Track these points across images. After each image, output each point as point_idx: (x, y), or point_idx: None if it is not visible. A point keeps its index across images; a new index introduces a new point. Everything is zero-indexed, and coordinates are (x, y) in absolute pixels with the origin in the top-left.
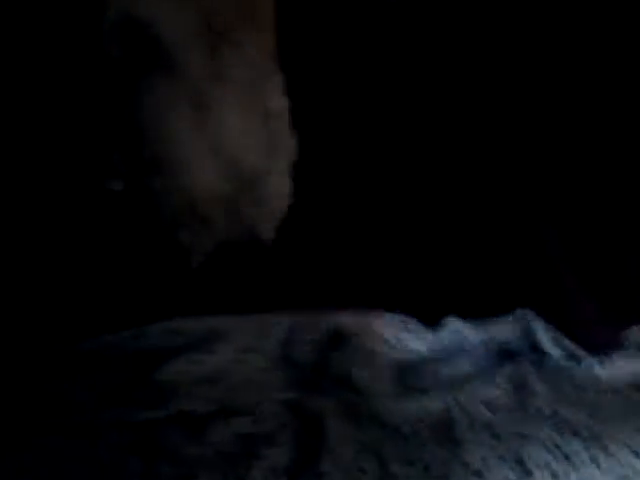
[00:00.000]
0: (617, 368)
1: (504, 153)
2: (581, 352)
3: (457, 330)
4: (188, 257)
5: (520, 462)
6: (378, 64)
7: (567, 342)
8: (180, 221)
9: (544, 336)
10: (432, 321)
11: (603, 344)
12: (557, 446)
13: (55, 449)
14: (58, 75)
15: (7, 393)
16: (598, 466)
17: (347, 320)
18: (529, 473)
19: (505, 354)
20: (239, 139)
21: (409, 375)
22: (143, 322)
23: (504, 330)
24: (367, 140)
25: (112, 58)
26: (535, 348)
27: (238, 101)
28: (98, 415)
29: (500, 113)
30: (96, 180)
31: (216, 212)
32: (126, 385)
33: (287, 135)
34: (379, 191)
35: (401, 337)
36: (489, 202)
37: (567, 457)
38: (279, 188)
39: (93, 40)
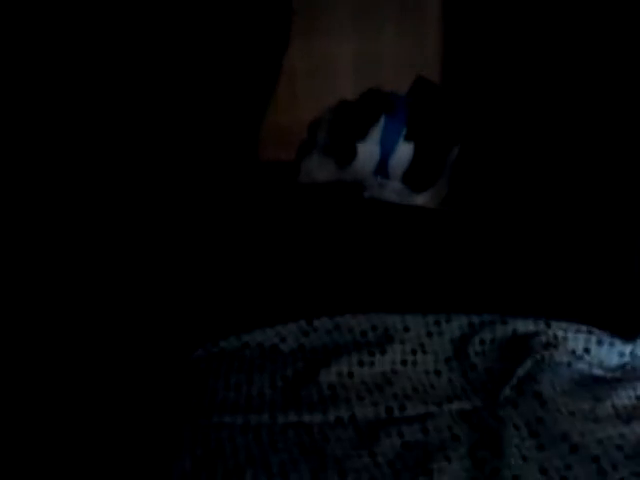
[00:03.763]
0: None
1: None
2: None
3: None
4: None
5: None
6: None
7: None
8: None
9: None
10: (629, 334)
11: None
12: None
13: (234, 448)
14: None
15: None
16: None
17: (529, 327)
18: None
19: None
20: None
21: (602, 394)
22: (310, 315)
23: None
24: None
25: None
26: None
27: None
28: (274, 416)
29: None
30: None
31: None
32: (296, 384)
33: None
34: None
35: (591, 349)
36: None
37: None
38: None
39: None
